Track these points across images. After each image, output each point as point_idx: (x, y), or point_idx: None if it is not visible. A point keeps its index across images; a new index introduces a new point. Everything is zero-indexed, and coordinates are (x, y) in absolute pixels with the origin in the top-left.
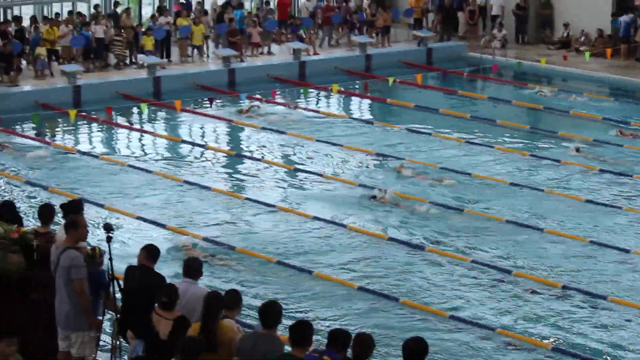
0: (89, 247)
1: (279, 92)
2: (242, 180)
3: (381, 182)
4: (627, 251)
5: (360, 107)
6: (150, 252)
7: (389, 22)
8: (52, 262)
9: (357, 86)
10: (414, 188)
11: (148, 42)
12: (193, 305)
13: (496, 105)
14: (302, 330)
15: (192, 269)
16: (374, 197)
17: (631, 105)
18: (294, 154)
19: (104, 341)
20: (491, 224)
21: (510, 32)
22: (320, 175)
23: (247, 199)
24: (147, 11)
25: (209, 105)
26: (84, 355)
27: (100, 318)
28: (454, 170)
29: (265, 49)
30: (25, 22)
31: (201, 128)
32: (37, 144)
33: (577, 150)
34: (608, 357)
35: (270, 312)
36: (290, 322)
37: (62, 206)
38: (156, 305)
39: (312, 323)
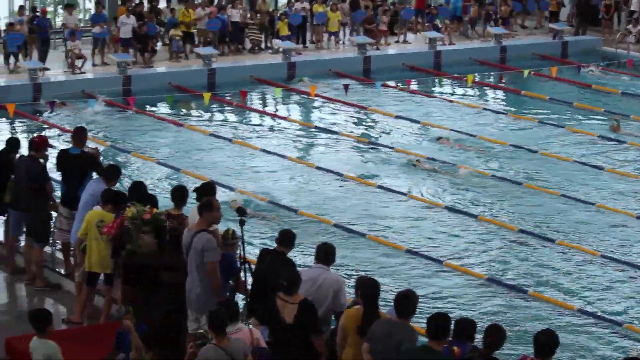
0: (224, 229)
1: (413, 81)
2: (373, 168)
3: (513, 175)
4: None
5: (494, 98)
6: (283, 237)
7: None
8: (184, 245)
9: (491, 77)
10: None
11: (283, 27)
12: (325, 291)
13: (630, 100)
14: (442, 323)
15: (325, 254)
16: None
17: None
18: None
19: None
20: None
21: None
22: (454, 165)
23: (379, 186)
24: None
25: (344, 92)
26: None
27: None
28: (584, 163)
29: (401, 38)
30: (162, 4)
31: (334, 114)
32: (169, 125)
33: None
34: None
35: (407, 302)
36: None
37: (195, 190)
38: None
39: (450, 316)
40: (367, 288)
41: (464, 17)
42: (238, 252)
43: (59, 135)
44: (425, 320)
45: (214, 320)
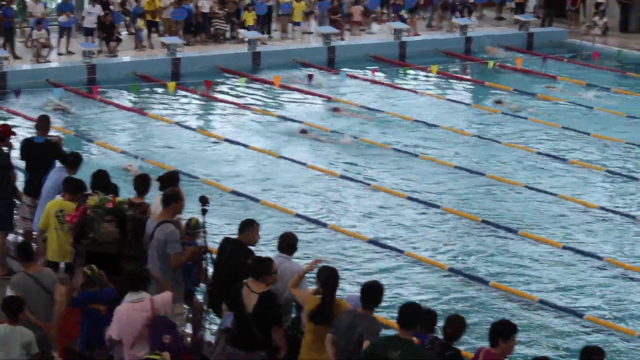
0: (187, 219)
1: (378, 72)
2: (337, 159)
3: (475, 164)
4: None
5: (459, 89)
6: (242, 226)
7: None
8: (146, 234)
9: (456, 68)
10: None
11: (249, 17)
12: (286, 281)
13: (595, 93)
14: (413, 312)
15: (287, 244)
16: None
17: None
18: (390, 134)
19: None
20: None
21: (615, 20)
22: (416, 156)
23: (341, 176)
24: None
25: (307, 82)
26: None
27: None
28: (549, 154)
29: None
30: None
31: (299, 104)
32: (133, 114)
33: (498, 102)
34: None
35: (373, 293)
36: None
37: (159, 178)
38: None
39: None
40: (327, 277)
41: (426, 9)
42: (200, 241)
43: (22, 124)
44: (387, 312)
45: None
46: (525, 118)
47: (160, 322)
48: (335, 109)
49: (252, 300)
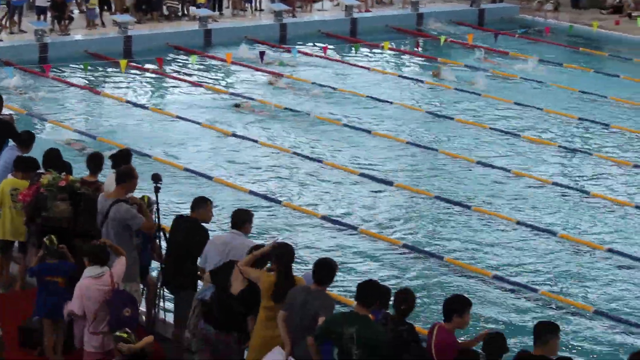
0: (139, 197)
1: (329, 48)
2: (291, 137)
3: (428, 140)
4: None
5: (411, 66)
6: (194, 204)
7: None
8: (100, 212)
9: (407, 44)
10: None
11: None
12: (235, 256)
13: (547, 68)
14: (371, 289)
15: (240, 220)
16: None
17: None
18: (343, 111)
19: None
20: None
21: None
22: (369, 132)
23: (294, 153)
24: None
25: (259, 59)
26: None
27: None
28: (501, 130)
29: (318, 5)
30: None
31: (250, 81)
32: (86, 93)
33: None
34: None
35: (326, 270)
36: None
37: (111, 157)
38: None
39: (378, 282)
40: (282, 254)
41: None
42: (154, 218)
43: None
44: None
45: None
46: (479, 94)
47: (121, 296)
48: (285, 86)
49: (239, 283)
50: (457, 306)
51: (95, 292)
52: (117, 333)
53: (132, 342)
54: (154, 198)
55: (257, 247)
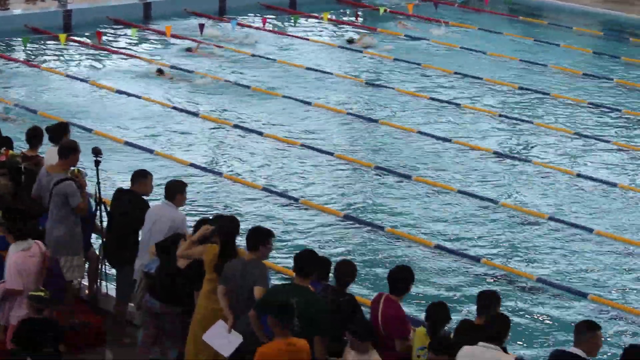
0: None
1: (269, 20)
2: (230, 108)
3: (368, 110)
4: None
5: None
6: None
7: None
8: (43, 187)
9: (347, 14)
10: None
11: None
12: (161, 226)
13: (487, 37)
14: (308, 260)
15: (171, 191)
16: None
17: (622, 41)
18: (283, 82)
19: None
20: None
21: None
22: (309, 103)
23: (235, 125)
24: None
25: (198, 31)
26: (72, 279)
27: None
28: (442, 100)
29: None
30: None
31: (190, 54)
32: (25, 67)
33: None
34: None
35: (254, 234)
36: None
37: (47, 129)
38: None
39: (316, 252)
40: (223, 226)
41: None
42: (92, 192)
43: None
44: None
45: None
46: (419, 64)
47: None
48: (220, 56)
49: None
50: (402, 277)
51: (30, 264)
52: (32, 293)
53: (47, 299)
54: (85, 171)
55: (199, 224)
